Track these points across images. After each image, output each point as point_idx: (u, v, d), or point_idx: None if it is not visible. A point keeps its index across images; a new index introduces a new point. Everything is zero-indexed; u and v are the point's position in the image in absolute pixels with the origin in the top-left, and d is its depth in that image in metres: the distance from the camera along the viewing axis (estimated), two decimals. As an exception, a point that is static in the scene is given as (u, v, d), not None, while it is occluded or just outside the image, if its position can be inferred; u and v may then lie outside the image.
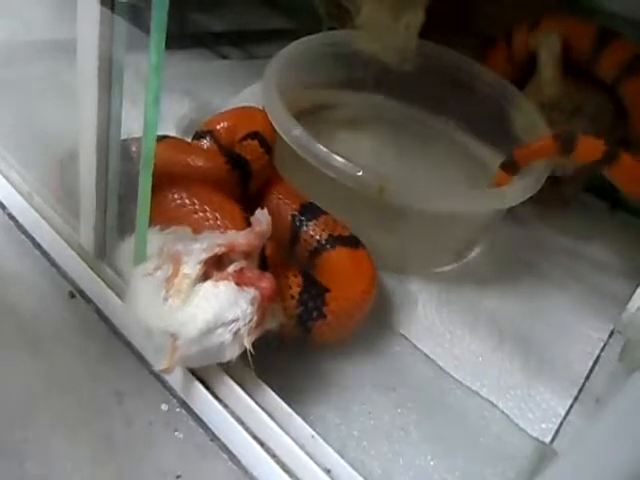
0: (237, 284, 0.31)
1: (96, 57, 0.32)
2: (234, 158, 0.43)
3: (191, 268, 0.31)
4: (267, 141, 0.46)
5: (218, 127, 0.50)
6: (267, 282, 0.32)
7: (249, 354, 0.31)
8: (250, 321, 0.31)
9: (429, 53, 0.58)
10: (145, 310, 0.32)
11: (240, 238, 0.32)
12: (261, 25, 0.82)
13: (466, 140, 0.59)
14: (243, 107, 0.53)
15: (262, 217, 0.33)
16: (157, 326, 0.31)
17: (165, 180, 0.38)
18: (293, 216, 0.44)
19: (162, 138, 0.43)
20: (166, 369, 0.31)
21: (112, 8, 0.31)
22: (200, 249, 0.31)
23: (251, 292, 0.31)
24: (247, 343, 0.31)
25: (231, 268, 0.32)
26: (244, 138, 0.47)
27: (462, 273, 0.52)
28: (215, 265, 0.32)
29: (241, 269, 0.32)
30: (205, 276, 0.32)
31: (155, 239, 0.34)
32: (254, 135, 0.47)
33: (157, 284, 0.31)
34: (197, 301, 0.31)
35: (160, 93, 0.30)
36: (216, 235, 0.33)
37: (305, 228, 0.43)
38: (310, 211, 0.44)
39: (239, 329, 0.31)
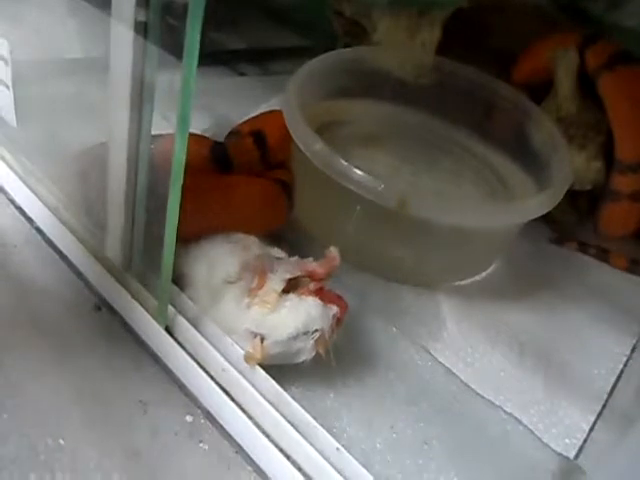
0: (321, 300, 0.37)
1: (129, 78, 0.33)
2: (216, 150, 0.47)
3: (277, 284, 0.37)
4: (265, 139, 0.48)
5: (246, 129, 0.52)
6: (344, 302, 0.38)
7: (328, 358, 0.37)
8: (329, 332, 0.36)
9: (446, 69, 0.59)
10: (228, 313, 0.37)
11: (319, 268, 0.37)
12: (278, 43, 0.84)
13: (484, 153, 0.60)
14: (269, 110, 0.54)
15: (335, 252, 0.38)
16: (242, 327, 0.36)
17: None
18: None
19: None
20: (253, 361, 0.35)
21: (145, 34, 0.32)
22: (284, 270, 0.37)
23: (334, 309, 0.37)
24: (323, 351, 0.36)
25: (312, 286, 0.37)
26: (246, 134, 0.49)
27: (482, 286, 0.52)
28: (292, 283, 0.37)
29: (321, 288, 0.37)
30: (286, 290, 0.37)
31: (223, 247, 0.40)
32: (254, 132, 0.49)
33: (239, 292, 0.37)
34: (286, 311, 0.36)
35: (190, 119, 0.31)
36: (298, 260, 0.39)
37: None
38: None
39: (319, 338, 0.36)
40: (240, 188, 0.45)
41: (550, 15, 0.62)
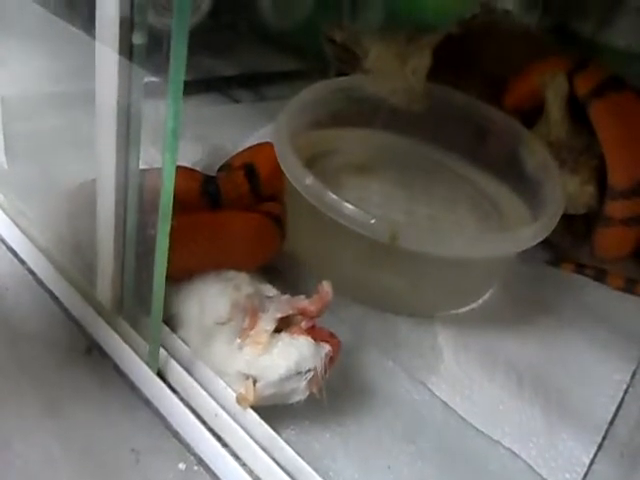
0: (313, 339, 0.36)
1: (114, 108, 0.33)
2: (207, 184, 0.47)
3: (268, 324, 0.36)
4: (256, 172, 0.48)
5: (238, 162, 0.52)
6: (336, 340, 0.37)
7: (322, 398, 0.36)
8: (322, 372, 0.36)
9: (438, 95, 0.59)
10: (220, 354, 0.37)
11: (310, 306, 0.37)
12: (271, 68, 0.84)
13: (477, 178, 0.60)
14: (261, 142, 0.54)
15: (327, 287, 0.37)
16: (234, 369, 0.36)
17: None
18: None
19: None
20: (246, 403, 0.35)
21: (130, 57, 0.32)
22: (275, 309, 0.37)
23: (326, 348, 0.37)
24: (316, 391, 0.36)
25: (304, 324, 0.37)
26: (237, 167, 0.49)
27: (478, 314, 0.51)
28: (285, 321, 0.37)
29: (313, 326, 0.37)
30: (277, 330, 0.37)
31: (214, 287, 0.40)
32: (245, 165, 0.49)
33: (231, 333, 0.37)
34: (278, 351, 0.36)
35: (177, 155, 0.31)
36: (288, 298, 0.38)
37: None
38: None
39: (312, 378, 0.36)
40: (230, 224, 0.45)
41: (540, 39, 0.62)
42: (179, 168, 0.46)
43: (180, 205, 0.40)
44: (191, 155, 0.60)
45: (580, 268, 0.58)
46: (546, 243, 0.56)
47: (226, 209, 0.47)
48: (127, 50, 0.32)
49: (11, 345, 0.39)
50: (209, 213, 0.46)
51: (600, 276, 0.57)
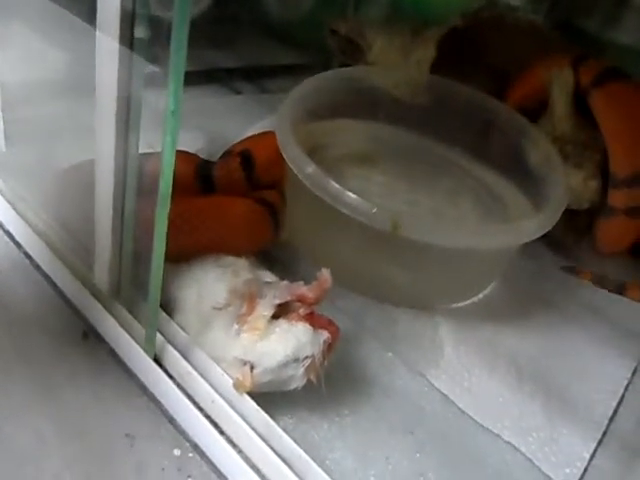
0: (312, 326, 0.36)
1: (114, 96, 0.32)
2: (202, 169, 0.47)
3: (266, 310, 0.36)
4: (252, 159, 0.48)
5: (237, 149, 0.51)
6: (335, 327, 0.37)
7: (320, 385, 0.36)
8: (321, 359, 0.36)
9: (442, 87, 0.59)
10: (217, 340, 0.36)
11: (309, 292, 0.37)
12: (274, 60, 0.84)
13: (481, 172, 0.59)
14: (263, 132, 0.54)
15: (327, 274, 0.37)
16: (231, 355, 0.35)
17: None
18: None
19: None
20: (243, 389, 0.35)
21: (131, 46, 0.32)
22: (273, 295, 0.36)
23: (325, 334, 0.36)
24: (314, 378, 0.36)
25: (302, 311, 0.36)
26: (235, 154, 0.49)
27: (479, 309, 0.51)
28: (283, 307, 0.36)
29: (311, 313, 0.36)
30: (275, 316, 0.36)
31: (213, 272, 0.40)
32: (242, 152, 0.49)
33: (229, 318, 0.36)
34: (276, 337, 0.35)
35: (177, 138, 0.31)
36: (287, 284, 0.38)
37: None
38: None
39: (310, 365, 0.35)
40: (220, 208, 0.45)
41: (545, 33, 0.62)
42: (177, 151, 0.45)
43: (174, 187, 0.40)
44: (192, 144, 0.59)
45: (598, 279, 0.56)
46: (549, 240, 0.56)
47: (219, 194, 0.46)
48: (128, 42, 0.31)
49: (6, 329, 0.39)
50: (199, 197, 0.45)
51: (619, 289, 0.56)
